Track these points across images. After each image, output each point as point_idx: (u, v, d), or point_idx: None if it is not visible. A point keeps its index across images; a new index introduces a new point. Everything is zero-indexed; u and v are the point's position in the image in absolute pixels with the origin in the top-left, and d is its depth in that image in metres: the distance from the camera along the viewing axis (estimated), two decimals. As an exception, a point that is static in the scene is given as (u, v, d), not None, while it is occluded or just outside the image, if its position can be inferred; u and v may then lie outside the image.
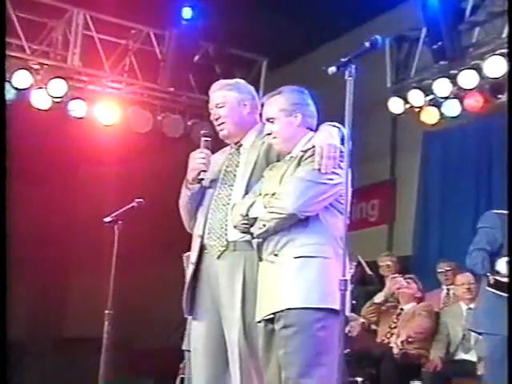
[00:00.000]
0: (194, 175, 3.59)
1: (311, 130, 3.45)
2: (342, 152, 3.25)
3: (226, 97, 3.65)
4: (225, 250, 3.48)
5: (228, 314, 3.45)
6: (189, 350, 5.59)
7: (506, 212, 4.58)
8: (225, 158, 3.69)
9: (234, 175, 3.60)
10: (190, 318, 5.67)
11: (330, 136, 3.30)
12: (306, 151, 3.32)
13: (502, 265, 4.48)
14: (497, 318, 4.54)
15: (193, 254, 3.61)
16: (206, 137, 3.66)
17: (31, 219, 9.14)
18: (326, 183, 3.23)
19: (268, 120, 3.47)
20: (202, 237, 3.56)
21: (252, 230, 3.31)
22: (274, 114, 3.44)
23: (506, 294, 4.49)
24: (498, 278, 4.56)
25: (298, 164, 3.31)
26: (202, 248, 3.56)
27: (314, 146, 3.28)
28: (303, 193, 3.21)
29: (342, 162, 3.23)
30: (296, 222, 3.25)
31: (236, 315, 3.40)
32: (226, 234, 3.49)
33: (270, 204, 3.27)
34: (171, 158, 6.53)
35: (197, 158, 3.59)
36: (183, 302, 3.62)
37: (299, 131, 3.44)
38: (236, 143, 3.69)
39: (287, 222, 3.25)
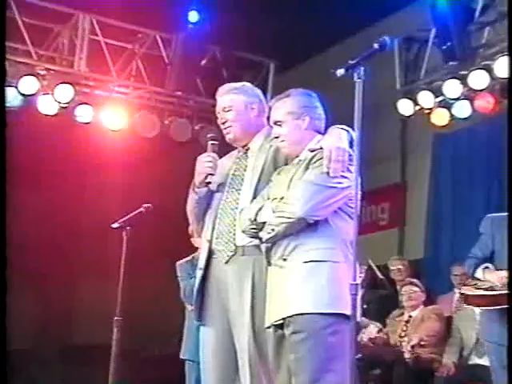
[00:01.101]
0: (201, 179, 3.56)
1: (319, 133, 3.43)
2: (350, 155, 3.22)
3: (233, 100, 3.63)
4: (233, 255, 3.45)
5: (237, 320, 3.42)
6: (188, 360, 5.57)
7: (502, 214, 4.55)
8: (232, 162, 3.66)
9: (242, 179, 3.57)
10: (186, 325, 5.69)
11: (339, 139, 3.28)
12: (313, 151, 3.28)
13: (479, 273, 4.47)
14: (483, 325, 4.67)
15: (201, 260, 3.58)
16: (213, 140, 3.64)
17: (39, 225, 9.13)
18: (334, 187, 3.20)
19: (276, 123, 3.44)
20: (210, 242, 3.53)
21: (260, 234, 3.29)
22: (282, 117, 3.42)
23: (466, 305, 4.61)
24: (463, 290, 4.60)
25: (307, 167, 3.29)
26: (210, 253, 3.53)
27: (321, 148, 3.25)
28: (312, 197, 3.17)
29: (350, 165, 3.20)
30: (305, 227, 3.22)
31: (245, 320, 3.37)
32: (234, 239, 3.46)
33: (278, 208, 3.24)
34: (179, 162, 6.49)
35: (204, 162, 3.57)
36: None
37: (307, 134, 3.41)
38: (243, 147, 3.66)
39: (296, 227, 3.22)
